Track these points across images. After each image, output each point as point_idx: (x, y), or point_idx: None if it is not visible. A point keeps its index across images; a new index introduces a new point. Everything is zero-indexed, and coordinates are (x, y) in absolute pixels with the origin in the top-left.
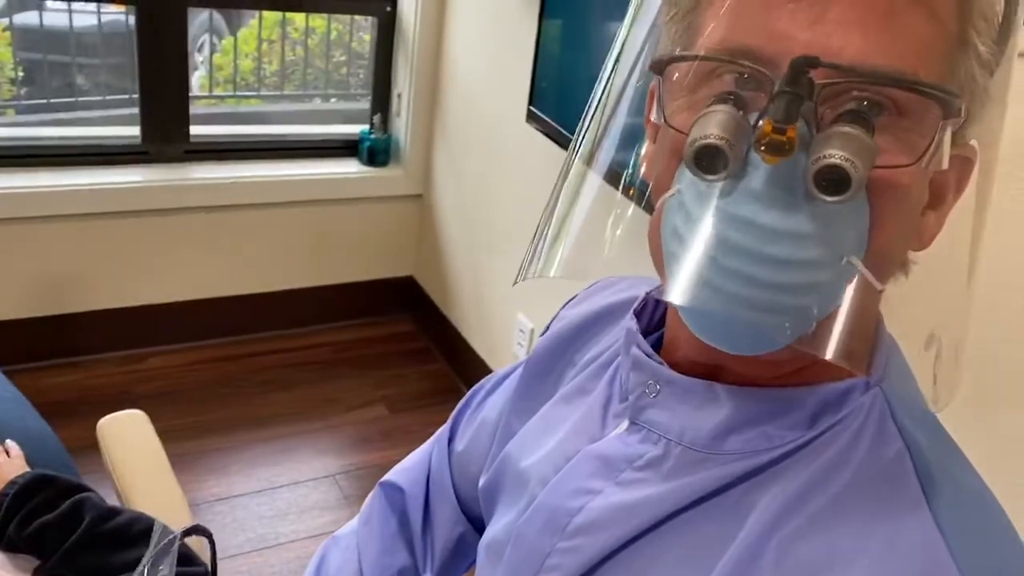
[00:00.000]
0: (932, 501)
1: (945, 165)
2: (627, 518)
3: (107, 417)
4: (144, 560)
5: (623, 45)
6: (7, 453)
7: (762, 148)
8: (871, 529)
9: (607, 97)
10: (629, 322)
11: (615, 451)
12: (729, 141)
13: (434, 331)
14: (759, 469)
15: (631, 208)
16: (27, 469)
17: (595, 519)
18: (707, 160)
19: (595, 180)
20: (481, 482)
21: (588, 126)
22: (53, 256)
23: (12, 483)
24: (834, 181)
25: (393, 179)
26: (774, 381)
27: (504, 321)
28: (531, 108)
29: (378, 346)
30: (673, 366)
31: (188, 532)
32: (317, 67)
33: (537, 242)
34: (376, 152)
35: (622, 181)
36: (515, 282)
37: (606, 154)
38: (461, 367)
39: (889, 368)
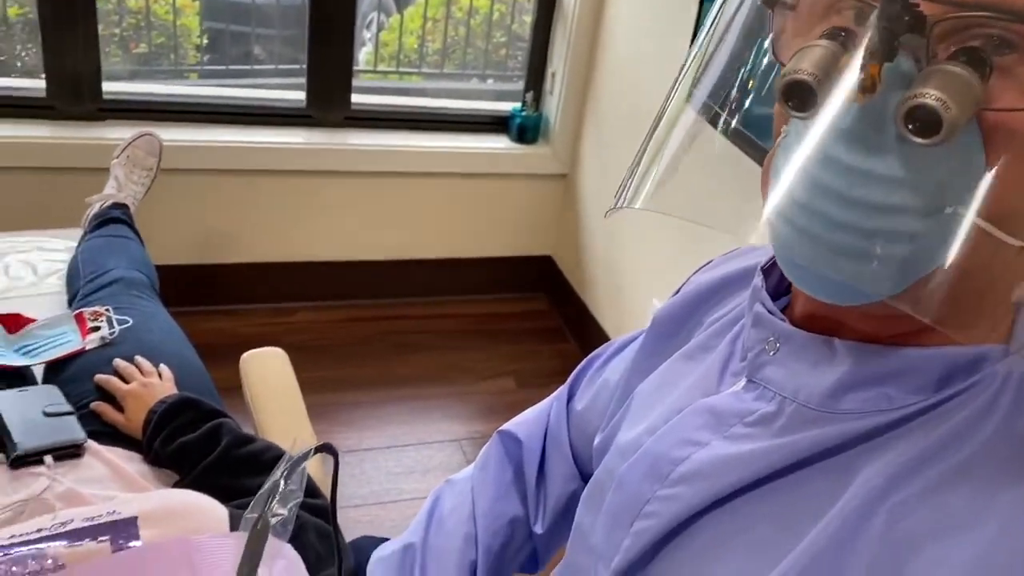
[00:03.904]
0: None
1: None
2: (730, 471)
3: (250, 352)
4: (278, 471)
5: None
6: (160, 376)
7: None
8: (993, 501)
9: (713, 32)
10: (755, 279)
11: (727, 406)
12: (818, 77)
13: (568, 311)
14: (876, 431)
15: (724, 146)
16: (176, 392)
17: (698, 469)
18: (796, 96)
19: (690, 116)
20: (597, 440)
21: (693, 59)
22: (219, 208)
23: (161, 402)
24: (925, 122)
25: (540, 157)
26: (897, 340)
27: (638, 306)
28: None
29: (512, 322)
30: (795, 324)
31: (318, 449)
32: (477, 47)
33: (631, 172)
34: (526, 129)
35: (721, 120)
36: (606, 214)
37: (703, 90)
38: (591, 349)
39: None
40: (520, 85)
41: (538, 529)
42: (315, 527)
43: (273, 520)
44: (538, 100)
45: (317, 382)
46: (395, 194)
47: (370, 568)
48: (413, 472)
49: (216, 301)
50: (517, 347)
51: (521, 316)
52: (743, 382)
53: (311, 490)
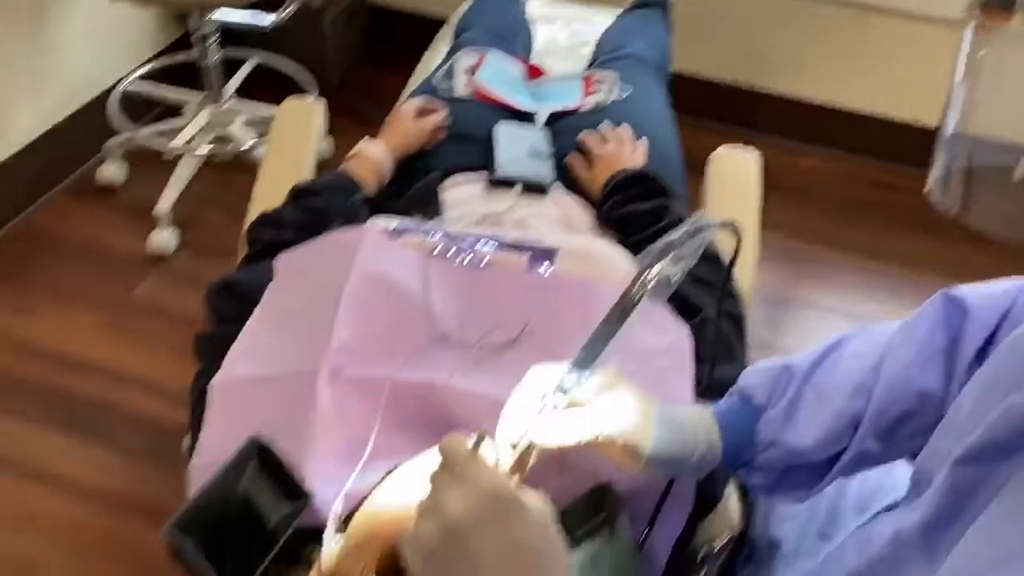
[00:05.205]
0: None
1: None
2: None
3: (723, 147)
4: (679, 231)
5: None
6: (635, 149)
7: None
8: None
9: None
10: None
11: None
12: None
13: None
14: None
15: None
16: (641, 166)
17: None
18: None
19: None
20: None
21: None
22: (761, 28)
23: (626, 170)
24: None
25: None
26: None
27: None
28: None
29: None
30: None
31: (724, 225)
32: None
33: None
34: None
35: None
36: None
37: None
38: None
39: None
40: None
41: None
42: (732, 317)
43: (659, 275)
44: None
45: (795, 227)
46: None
47: (744, 372)
48: None
49: (724, 119)
50: None
51: None
52: None
53: (715, 258)
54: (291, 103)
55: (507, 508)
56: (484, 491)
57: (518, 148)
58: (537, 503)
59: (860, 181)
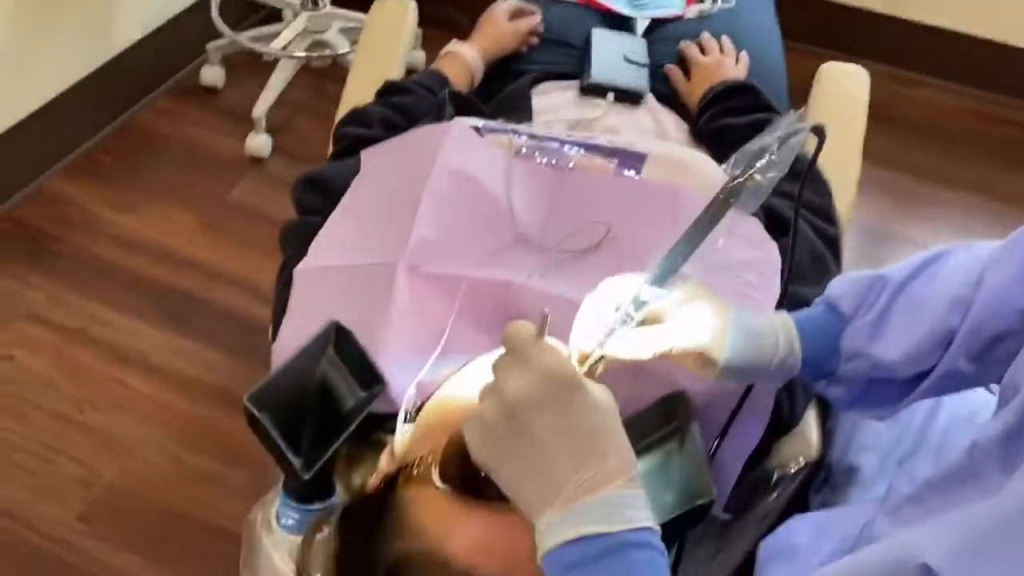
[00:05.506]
0: None
1: None
2: None
3: (832, 63)
4: (769, 137)
5: None
6: (736, 61)
7: None
8: None
9: None
10: None
11: None
12: None
13: None
14: None
15: None
16: (742, 78)
17: None
18: None
19: None
20: None
21: None
22: None
23: (724, 83)
24: None
25: None
26: None
27: None
28: None
29: None
30: None
31: (813, 129)
32: None
33: None
34: None
35: None
36: None
37: None
38: None
39: None
40: None
41: None
42: (828, 239)
43: (751, 181)
44: None
45: (901, 159)
46: None
47: (832, 281)
48: None
49: (831, 44)
50: None
51: None
52: None
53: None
54: (384, 2)
55: (568, 389)
56: (545, 372)
57: (614, 54)
58: (600, 390)
59: (973, 114)
